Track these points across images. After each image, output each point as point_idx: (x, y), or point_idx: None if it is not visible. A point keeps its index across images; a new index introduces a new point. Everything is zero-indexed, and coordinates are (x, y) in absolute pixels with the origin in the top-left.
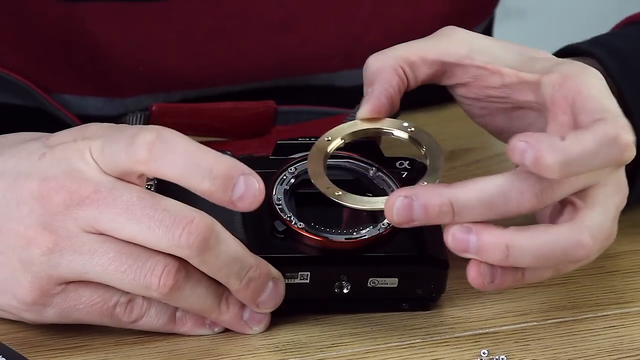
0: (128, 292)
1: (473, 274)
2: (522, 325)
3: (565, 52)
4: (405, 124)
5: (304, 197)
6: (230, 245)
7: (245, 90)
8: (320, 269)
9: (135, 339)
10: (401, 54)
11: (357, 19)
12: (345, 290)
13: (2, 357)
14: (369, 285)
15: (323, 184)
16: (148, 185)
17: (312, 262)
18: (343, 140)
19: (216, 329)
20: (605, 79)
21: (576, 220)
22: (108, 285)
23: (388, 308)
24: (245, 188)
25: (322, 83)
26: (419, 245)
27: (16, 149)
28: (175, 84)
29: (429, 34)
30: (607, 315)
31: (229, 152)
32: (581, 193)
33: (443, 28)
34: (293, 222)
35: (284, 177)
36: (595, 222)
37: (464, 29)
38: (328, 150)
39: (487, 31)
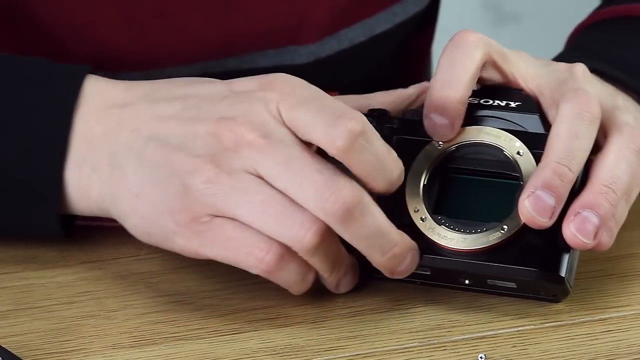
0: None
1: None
2: (519, 328)
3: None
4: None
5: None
6: (377, 219)
7: (193, 74)
8: (439, 269)
9: (133, 342)
10: None
11: None
12: (466, 282)
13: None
14: (488, 282)
15: (413, 203)
16: None
17: (431, 263)
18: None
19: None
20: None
21: None
22: (251, 229)
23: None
24: None
25: (270, 61)
26: (536, 258)
27: (203, 83)
28: (121, 65)
29: (372, 11)
30: (605, 318)
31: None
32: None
33: None
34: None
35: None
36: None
37: None
38: (436, 156)
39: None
